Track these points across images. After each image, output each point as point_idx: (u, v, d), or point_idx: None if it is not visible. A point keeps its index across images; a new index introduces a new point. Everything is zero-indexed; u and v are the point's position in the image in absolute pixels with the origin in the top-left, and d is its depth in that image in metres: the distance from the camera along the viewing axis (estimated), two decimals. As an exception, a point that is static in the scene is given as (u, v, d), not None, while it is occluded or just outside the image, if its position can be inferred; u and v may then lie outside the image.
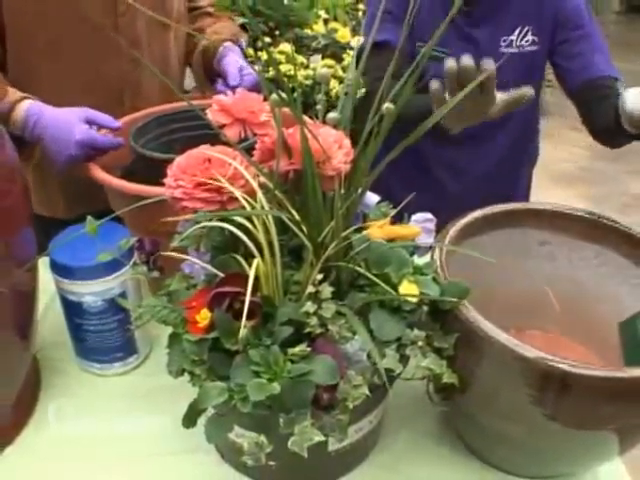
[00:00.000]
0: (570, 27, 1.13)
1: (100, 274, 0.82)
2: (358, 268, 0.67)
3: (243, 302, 0.60)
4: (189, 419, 0.65)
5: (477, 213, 0.86)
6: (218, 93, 1.14)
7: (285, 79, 1.93)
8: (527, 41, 1.17)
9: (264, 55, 1.95)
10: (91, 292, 0.83)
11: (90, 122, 1.00)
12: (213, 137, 1.01)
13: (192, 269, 0.69)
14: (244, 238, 0.63)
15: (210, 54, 1.25)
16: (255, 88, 1.13)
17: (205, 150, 0.69)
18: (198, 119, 1.11)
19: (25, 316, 0.84)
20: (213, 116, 0.71)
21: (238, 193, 0.65)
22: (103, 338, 0.87)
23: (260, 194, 0.65)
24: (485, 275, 0.92)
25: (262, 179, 0.67)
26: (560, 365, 0.64)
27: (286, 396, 0.60)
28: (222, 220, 0.65)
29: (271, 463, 0.70)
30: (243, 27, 2.05)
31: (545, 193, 3.53)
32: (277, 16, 2.11)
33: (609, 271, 0.92)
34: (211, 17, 1.36)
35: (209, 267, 0.67)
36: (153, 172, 0.94)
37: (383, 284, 0.65)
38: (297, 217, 0.65)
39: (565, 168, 4.06)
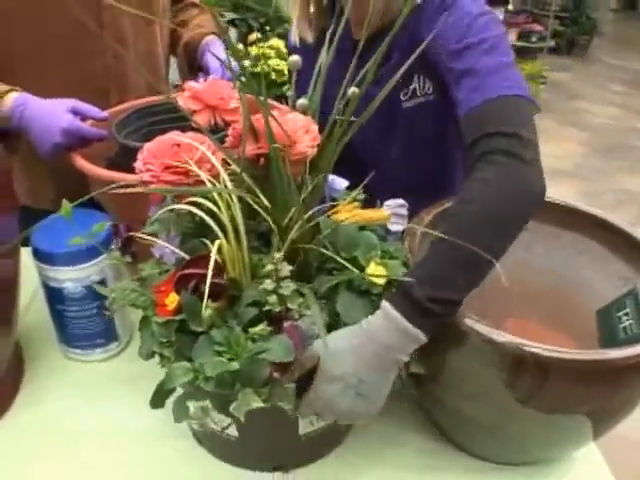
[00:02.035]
0: (446, 59, 0.90)
1: (79, 260, 0.84)
2: (324, 250, 0.68)
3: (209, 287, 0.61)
4: (157, 400, 0.66)
5: (452, 200, 0.87)
6: None
7: (274, 73, 1.94)
8: (428, 88, 1.01)
9: (254, 50, 1.97)
10: (70, 278, 0.85)
11: (76, 112, 1.01)
12: (193, 128, 1.03)
13: (162, 253, 0.70)
14: (208, 220, 0.64)
15: (193, 47, 1.26)
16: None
17: (175, 136, 0.71)
18: (179, 111, 1.12)
19: (6, 303, 0.85)
20: (184, 102, 0.72)
21: (204, 175, 0.66)
22: (84, 324, 0.89)
23: (224, 175, 0.66)
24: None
25: (232, 165, 0.68)
26: (530, 349, 0.65)
27: (243, 374, 0.62)
28: (190, 204, 0.66)
29: (233, 436, 0.73)
30: (233, 22, 2.07)
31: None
32: (267, 12, 2.13)
33: (586, 259, 0.93)
34: (196, 8, 1.36)
35: (177, 250, 0.68)
36: (134, 162, 0.96)
37: (350, 266, 0.66)
38: (264, 200, 0.66)
39: (558, 164, 4.07)
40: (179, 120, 1.10)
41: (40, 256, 0.85)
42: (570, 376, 0.67)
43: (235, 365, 0.61)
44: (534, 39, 5.43)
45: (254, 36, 2.08)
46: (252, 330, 0.63)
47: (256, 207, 0.66)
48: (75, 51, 1.14)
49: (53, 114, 0.98)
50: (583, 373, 0.67)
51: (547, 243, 0.96)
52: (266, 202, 0.66)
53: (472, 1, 0.91)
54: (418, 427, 0.86)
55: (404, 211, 0.78)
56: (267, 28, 2.12)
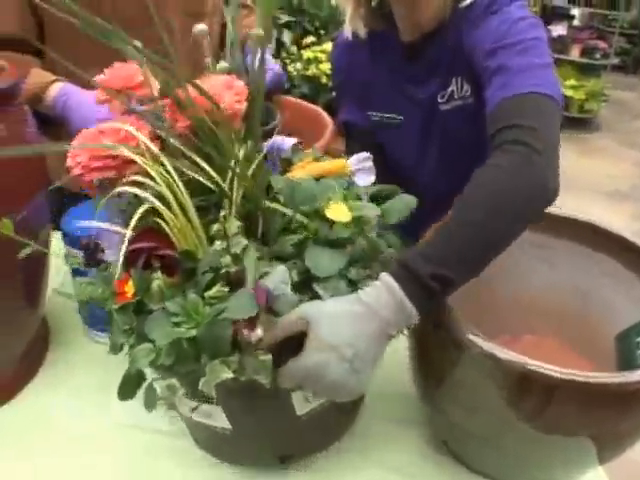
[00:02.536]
0: (482, 59, 0.91)
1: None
2: (278, 206, 0.66)
3: (159, 257, 0.61)
4: (125, 390, 0.66)
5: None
6: None
7: (325, 77, 1.95)
8: (466, 91, 1.03)
9: (307, 53, 1.99)
10: (95, 262, 0.87)
11: None
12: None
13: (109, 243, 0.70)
14: (145, 195, 0.64)
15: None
16: (276, 83, 1.16)
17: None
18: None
19: (35, 281, 0.89)
20: (97, 99, 0.72)
21: (130, 152, 0.65)
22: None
23: (152, 147, 0.66)
24: (481, 277, 0.93)
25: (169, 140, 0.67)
26: (533, 368, 0.64)
27: (205, 340, 0.59)
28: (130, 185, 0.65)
29: (227, 430, 0.71)
30: (287, 25, 2.10)
31: (592, 209, 3.48)
32: (323, 15, 2.15)
33: (611, 281, 0.92)
34: (245, 9, 1.39)
35: (123, 230, 0.66)
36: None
37: (311, 220, 0.64)
38: (201, 162, 0.65)
39: (613, 184, 3.98)
40: None
41: (68, 239, 0.88)
42: (573, 398, 0.66)
43: (192, 332, 0.58)
44: (597, 56, 5.31)
45: (308, 40, 2.10)
46: (208, 294, 0.60)
47: (192, 174, 0.65)
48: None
49: (92, 105, 1.02)
50: (586, 396, 0.66)
51: (573, 262, 0.95)
52: (204, 164, 0.65)
53: (516, 7, 0.92)
54: (421, 434, 0.86)
55: (369, 163, 0.76)
56: (321, 32, 2.14)
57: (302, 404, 0.71)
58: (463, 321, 0.69)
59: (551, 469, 0.78)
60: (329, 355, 0.62)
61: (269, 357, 0.61)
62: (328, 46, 2.05)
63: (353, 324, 0.63)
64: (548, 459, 0.75)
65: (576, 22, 6.00)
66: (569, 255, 0.95)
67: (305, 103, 1.20)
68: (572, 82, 4.73)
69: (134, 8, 1.15)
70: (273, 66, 1.19)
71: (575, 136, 4.77)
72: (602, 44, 5.48)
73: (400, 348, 0.78)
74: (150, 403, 0.65)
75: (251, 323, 0.60)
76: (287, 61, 2.01)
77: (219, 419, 0.72)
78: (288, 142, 0.77)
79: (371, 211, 0.68)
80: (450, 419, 0.78)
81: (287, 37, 2.04)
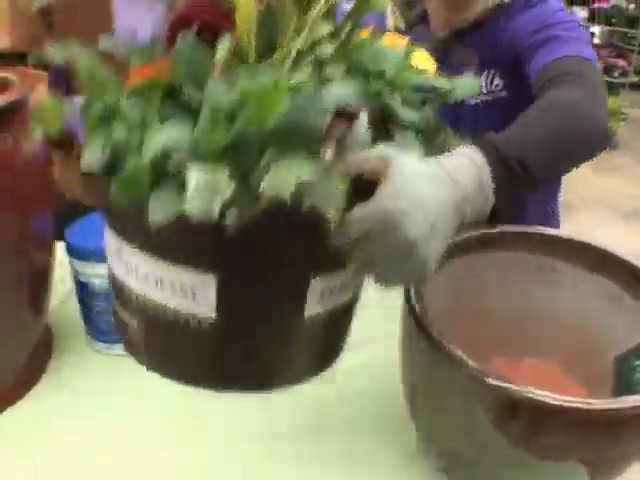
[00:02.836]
0: (525, 41, 0.97)
1: (102, 258, 0.88)
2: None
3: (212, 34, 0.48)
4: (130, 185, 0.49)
5: (473, 233, 0.87)
6: None
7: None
8: (497, 85, 1.08)
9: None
10: (97, 274, 0.89)
11: None
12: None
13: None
14: None
15: None
16: None
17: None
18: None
19: (39, 291, 0.91)
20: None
21: None
22: (107, 319, 0.93)
23: None
24: (481, 297, 0.93)
25: None
26: (522, 393, 0.64)
27: (289, 117, 0.45)
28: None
29: (209, 319, 0.56)
30: None
31: (610, 229, 3.45)
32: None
33: (616, 307, 0.91)
34: None
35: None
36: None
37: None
38: None
39: (631, 203, 3.94)
40: None
41: (71, 251, 0.90)
42: (564, 425, 0.65)
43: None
44: (616, 74, 5.29)
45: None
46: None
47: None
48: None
49: None
50: (577, 422, 0.65)
51: (575, 285, 0.95)
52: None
53: (555, 0, 0.99)
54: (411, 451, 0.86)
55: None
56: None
57: (314, 305, 0.59)
58: (453, 343, 0.69)
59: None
60: (412, 208, 0.52)
61: (347, 179, 0.49)
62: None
63: (436, 187, 0.54)
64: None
65: (596, 40, 5.99)
66: (571, 277, 0.95)
67: None
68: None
69: None
70: None
71: (592, 154, 4.73)
72: (621, 62, 5.47)
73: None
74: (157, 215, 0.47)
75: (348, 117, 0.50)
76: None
77: (203, 300, 0.55)
78: None
79: (442, 82, 0.62)
80: (439, 442, 0.78)
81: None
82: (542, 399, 0.63)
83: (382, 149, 0.54)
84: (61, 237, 0.92)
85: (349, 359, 0.74)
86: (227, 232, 0.47)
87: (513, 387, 0.64)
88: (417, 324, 0.70)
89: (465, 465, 0.77)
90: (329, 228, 0.49)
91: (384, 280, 0.57)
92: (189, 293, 0.55)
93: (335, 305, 0.62)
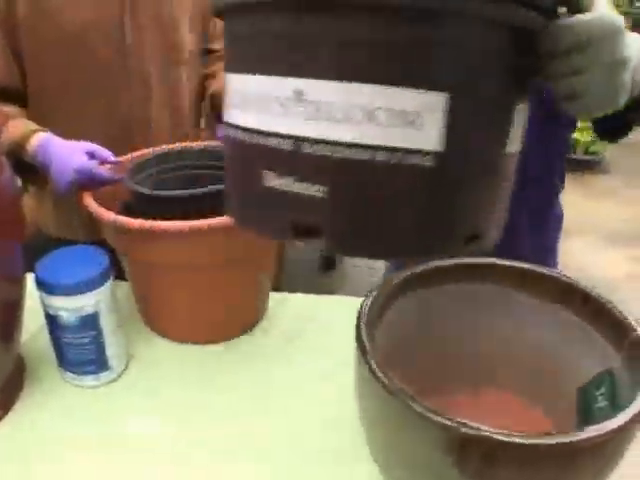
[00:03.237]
0: None
1: (73, 292, 0.90)
2: None
3: None
4: None
5: (430, 264, 0.88)
6: (219, 139, 1.22)
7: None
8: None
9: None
10: (65, 308, 0.91)
11: (92, 155, 1.09)
12: (209, 177, 1.10)
13: None
14: None
15: (217, 100, 1.33)
16: None
17: None
18: (195, 159, 1.20)
19: (10, 322, 0.92)
20: None
21: None
22: (77, 352, 0.95)
23: None
24: (446, 328, 0.94)
25: None
26: (470, 431, 0.63)
27: None
28: None
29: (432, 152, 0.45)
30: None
31: (600, 254, 3.46)
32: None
33: (575, 336, 0.92)
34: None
35: None
36: (144, 206, 1.04)
37: None
38: None
39: (623, 228, 3.96)
40: (193, 168, 1.19)
41: (40, 284, 0.92)
42: (515, 460, 0.64)
43: None
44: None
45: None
46: None
47: None
48: (100, 91, 1.23)
49: (69, 155, 1.07)
50: (527, 457, 0.64)
51: (543, 317, 0.95)
52: None
53: None
54: None
55: None
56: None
57: (514, 139, 0.52)
58: (408, 378, 0.70)
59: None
60: (622, 36, 0.51)
61: None
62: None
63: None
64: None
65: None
66: (537, 310, 0.95)
67: None
68: (578, 124, 4.73)
69: (112, 56, 1.21)
70: None
71: (580, 178, 4.77)
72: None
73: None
74: None
75: None
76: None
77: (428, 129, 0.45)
78: None
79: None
80: (395, 475, 0.79)
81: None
82: (492, 436, 0.63)
83: None
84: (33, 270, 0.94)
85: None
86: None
87: (463, 425, 0.63)
88: (367, 364, 0.70)
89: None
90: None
91: (586, 104, 0.53)
92: (408, 122, 0.45)
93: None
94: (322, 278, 3.08)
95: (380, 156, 0.45)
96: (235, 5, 0.49)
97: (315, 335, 1.12)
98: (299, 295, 1.26)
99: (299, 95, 0.46)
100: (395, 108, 0.44)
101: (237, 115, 0.52)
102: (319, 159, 0.46)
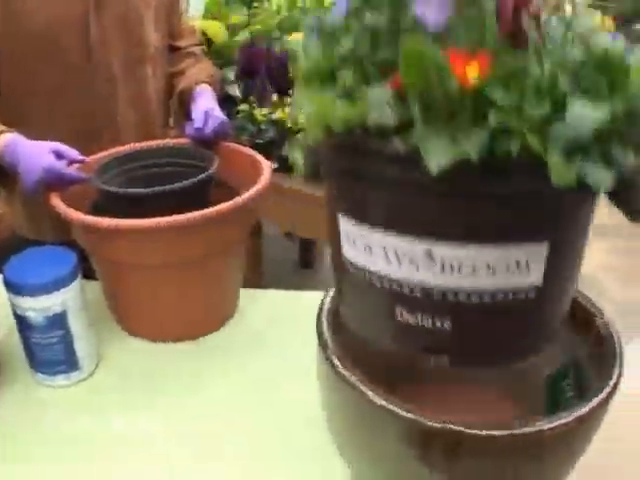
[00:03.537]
0: None
1: (40, 292, 0.90)
2: None
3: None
4: None
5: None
6: (187, 137, 1.22)
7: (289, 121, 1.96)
8: None
9: (274, 97, 2.02)
10: (33, 308, 0.91)
11: (59, 154, 1.09)
12: (175, 175, 1.10)
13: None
14: None
15: (185, 97, 1.33)
16: (220, 129, 1.20)
17: None
18: (162, 157, 1.20)
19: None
20: None
21: None
22: (46, 351, 0.95)
23: None
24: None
25: None
26: (435, 424, 0.62)
27: None
28: None
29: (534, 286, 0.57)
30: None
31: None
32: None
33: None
34: (192, 57, 1.43)
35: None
36: (112, 205, 1.03)
37: None
38: None
39: (595, 221, 3.99)
40: (160, 166, 1.19)
41: (8, 285, 0.92)
42: (481, 452, 0.65)
43: None
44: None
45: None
46: None
47: None
48: (66, 90, 1.23)
49: (36, 155, 1.06)
50: (494, 449, 0.64)
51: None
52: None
53: None
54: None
55: None
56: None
57: None
58: (369, 375, 0.68)
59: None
60: None
61: None
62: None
63: None
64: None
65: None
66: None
67: (243, 148, 1.25)
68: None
69: (77, 53, 1.20)
70: (219, 115, 1.22)
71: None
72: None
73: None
74: None
75: None
76: (254, 105, 2.05)
77: (533, 270, 0.56)
78: None
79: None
80: (357, 468, 0.79)
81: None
82: (457, 429, 0.62)
83: None
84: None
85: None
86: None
87: (425, 418, 0.63)
88: (327, 358, 0.70)
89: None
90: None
91: None
92: (517, 269, 0.55)
93: None
94: (302, 276, 3.08)
95: (494, 297, 0.55)
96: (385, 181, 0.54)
97: (285, 331, 1.13)
98: (269, 292, 1.27)
99: (429, 254, 0.54)
100: (509, 260, 0.54)
101: (364, 258, 0.60)
102: (444, 302, 0.56)
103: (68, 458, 0.87)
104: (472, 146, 0.46)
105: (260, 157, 1.15)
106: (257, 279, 2.27)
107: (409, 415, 0.63)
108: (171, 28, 1.39)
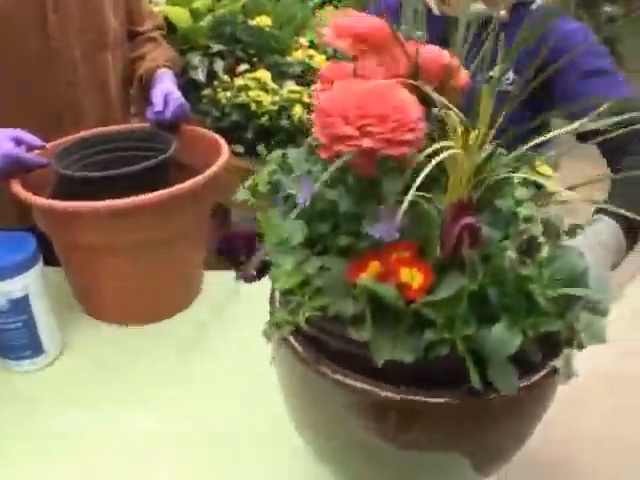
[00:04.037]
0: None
1: (1, 277, 0.90)
2: None
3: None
4: None
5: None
6: (148, 121, 1.23)
7: (254, 104, 1.99)
8: (507, 79, 1.17)
9: (238, 81, 2.04)
10: (-1, 292, 0.92)
11: (18, 141, 1.09)
12: (138, 159, 1.10)
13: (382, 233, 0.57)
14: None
15: (146, 81, 1.33)
16: (180, 112, 1.21)
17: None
18: (124, 141, 1.21)
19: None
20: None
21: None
22: (10, 336, 0.96)
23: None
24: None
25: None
26: (386, 393, 0.63)
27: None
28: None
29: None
30: (220, 54, 2.15)
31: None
32: (257, 43, 2.20)
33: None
34: (152, 43, 1.43)
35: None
36: (71, 189, 1.04)
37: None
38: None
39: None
40: (119, 150, 1.20)
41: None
42: (431, 420, 0.65)
43: None
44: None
45: (242, 68, 2.15)
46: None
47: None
48: (27, 78, 1.23)
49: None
50: (441, 416, 0.64)
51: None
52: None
53: None
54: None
55: None
56: (255, 60, 2.19)
57: None
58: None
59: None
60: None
61: None
62: (261, 73, 2.10)
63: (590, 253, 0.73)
64: (426, 477, 0.74)
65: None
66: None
67: (203, 130, 1.26)
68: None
69: (37, 39, 1.20)
70: (178, 98, 1.23)
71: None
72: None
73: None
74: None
75: None
76: (219, 89, 2.06)
77: None
78: None
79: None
80: (314, 445, 0.80)
81: (219, 66, 2.09)
82: (409, 398, 0.62)
83: None
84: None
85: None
86: None
87: (379, 389, 0.63)
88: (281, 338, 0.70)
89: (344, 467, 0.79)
90: None
91: None
92: None
93: None
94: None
95: None
96: None
97: (249, 307, 1.14)
98: (232, 272, 1.28)
99: None
100: None
101: None
102: None
103: (28, 448, 0.88)
104: (409, 353, 0.57)
105: (219, 138, 1.16)
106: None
107: (364, 386, 0.64)
108: (130, 13, 1.39)
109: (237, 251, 0.68)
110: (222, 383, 0.99)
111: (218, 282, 1.23)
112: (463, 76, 0.66)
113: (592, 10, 5.68)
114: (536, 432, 0.72)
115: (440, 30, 1.09)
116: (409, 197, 0.51)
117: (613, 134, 0.72)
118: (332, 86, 0.58)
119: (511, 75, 1.18)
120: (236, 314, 1.14)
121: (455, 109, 0.58)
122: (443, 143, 0.55)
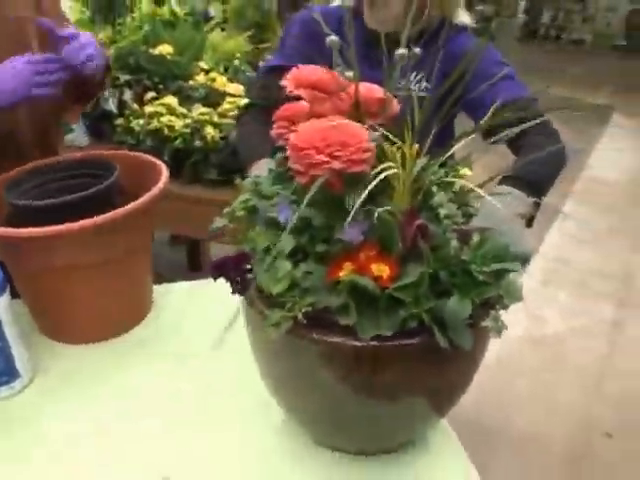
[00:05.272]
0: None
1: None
2: None
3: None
4: None
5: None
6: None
7: (167, 129, 2.08)
8: (425, 89, 1.32)
9: (148, 108, 2.11)
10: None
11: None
12: (86, 186, 1.16)
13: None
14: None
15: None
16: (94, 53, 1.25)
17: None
18: (68, 171, 1.28)
19: None
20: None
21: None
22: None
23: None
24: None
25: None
26: (342, 341, 0.73)
27: None
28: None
29: None
30: (128, 84, 2.22)
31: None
32: (161, 71, 2.28)
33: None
34: None
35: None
36: (22, 219, 1.10)
37: None
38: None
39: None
40: (69, 178, 1.26)
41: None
42: (388, 363, 0.75)
43: None
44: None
45: (149, 95, 2.22)
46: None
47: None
48: None
49: None
50: (393, 359, 0.75)
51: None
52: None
53: None
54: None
55: None
56: (160, 87, 2.26)
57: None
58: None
59: (394, 432, 0.88)
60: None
61: None
62: (169, 99, 2.17)
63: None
64: (391, 421, 0.83)
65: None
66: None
67: (141, 155, 1.33)
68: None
69: None
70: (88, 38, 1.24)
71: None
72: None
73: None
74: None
75: None
76: (130, 118, 2.13)
77: None
78: None
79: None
80: (287, 402, 0.89)
81: (128, 95, 2.16)
82: (383, 343, 0.73)
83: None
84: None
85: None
86: None
87: (352, 340, 0.73)
88: (248, 300, 0.81)
89: (316, 421, 0.88)
90: None
91: None
92: None
93: None
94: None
95: None
96: None
97: (199, 318, 1.25)
98: (177, 285, 1.40)
99: None
100: None
101: None
102: None
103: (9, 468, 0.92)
104: (389, 329, 0.72)
105: (158, 161, 1.24)
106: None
107: (332, 339, 0.74)
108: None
109: (229, 271, 0.80)
110: (189, 381, 1.08)
111: (165, 294, 1.33)
112: (394, 105, 0.86)
113: (469, 9, 6.03)
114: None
115: (364, 32, 1.25)
116: (378, 209, 0.71)
117: (514, 128, 0.88)
118: (296, 125, 0.78)
119: (424, 84, 1.35)
120: (190, 319, 1.25)
121: (391, 136, 0.77)
122: (385, 164, 0.73)
